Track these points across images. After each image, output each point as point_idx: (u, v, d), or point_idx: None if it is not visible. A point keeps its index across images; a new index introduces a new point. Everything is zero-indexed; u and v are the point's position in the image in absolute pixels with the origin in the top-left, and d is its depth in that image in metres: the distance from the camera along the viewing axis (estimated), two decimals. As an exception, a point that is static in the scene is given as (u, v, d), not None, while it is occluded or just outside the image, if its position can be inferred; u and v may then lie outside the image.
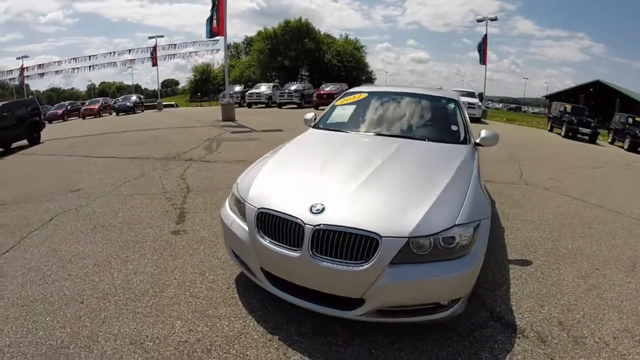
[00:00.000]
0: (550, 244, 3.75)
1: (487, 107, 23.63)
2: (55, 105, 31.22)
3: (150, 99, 36.92)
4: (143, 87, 71.79)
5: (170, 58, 29.51)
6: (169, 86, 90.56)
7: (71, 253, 3.49)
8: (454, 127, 3.47)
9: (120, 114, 26.64)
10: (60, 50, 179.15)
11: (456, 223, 2.02)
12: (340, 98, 4.18)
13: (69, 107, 28.49)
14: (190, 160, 7.72)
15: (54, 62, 29.33)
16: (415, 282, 1.92)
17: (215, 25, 14.86)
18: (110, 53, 27.91)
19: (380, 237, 1.89)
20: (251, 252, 2.22)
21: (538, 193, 5.46)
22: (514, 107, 70.77)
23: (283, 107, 23.64)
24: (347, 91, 4.33)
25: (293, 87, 25.54)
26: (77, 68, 27.79)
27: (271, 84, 27.18)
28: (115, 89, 73.45)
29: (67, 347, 2.20)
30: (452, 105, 3.74)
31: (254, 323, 2.31)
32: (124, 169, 7.02)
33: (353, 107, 3.92)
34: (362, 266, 1.89)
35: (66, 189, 5.82)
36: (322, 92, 20.48)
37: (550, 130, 18.02)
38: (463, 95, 19.22)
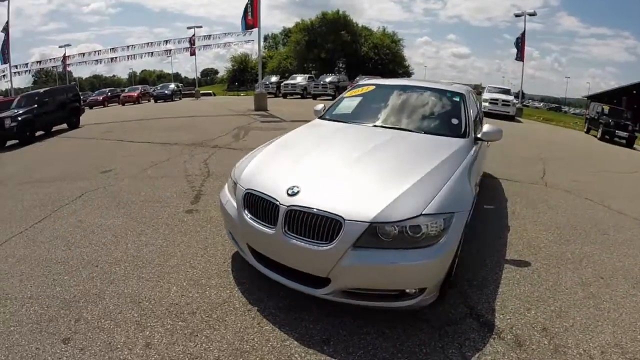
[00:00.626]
0: (556, 247, 3.63)
1: (526, 106, 22.52)
2: (96, 91, 33.39)
3: (189, 87, 38.42)
4: (183, 75, 74.65)
5: (209, 48, 30.55)
6: (208, 75, 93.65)
7: (94, 225, 3.93)
8: (454, 121, 3.49)
9: (158, 101, 28.03)
10: (103, 39, 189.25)
11: (423, 212, 2.08)
12: (349, 90, 4.35)
13: (109, 93, 30.40)
14: (216, 147, 8.14)
15: (96, 51, 31.26)
16: (377, 266, 2.02)
17: (250, 18, 15.28)
18: (149, 43, 29.35)
19: (344, 220, 2.03)
20: (239, 228, 2.48)
21: (557, 195, 5.29)
22: (554, 107, 67.31)
23: (317, 98, 23.93)
24: (357, 84, 4.48)
25: (328, 79, 25.80)
26: (116, 57, 29.46)
27: (307, 76, 27.57)
28: (156, 77, 77.04)
29: (78, 301, 2.58)
30: (456, 99, 3.74)
31: (238, 294, 2.57)
32: (153, 153, 7.56)
33: (359, 99, 4.08)
34: (327, 246, 2.04)
35: (98, 170, 6.39)
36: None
37: (587, 132, 16.96)
38: (498, 92, 18.49)
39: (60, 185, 5.56)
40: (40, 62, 33.45)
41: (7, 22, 21.62)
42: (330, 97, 23.62)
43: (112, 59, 29.21)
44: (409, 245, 2.04)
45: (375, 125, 3.51)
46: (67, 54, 31.92)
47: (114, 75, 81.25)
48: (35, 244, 3.56)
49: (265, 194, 2.31)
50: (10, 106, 11.95)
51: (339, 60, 49.09)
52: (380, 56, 48.41)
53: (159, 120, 13.93)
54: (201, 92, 33.89)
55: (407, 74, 48.42)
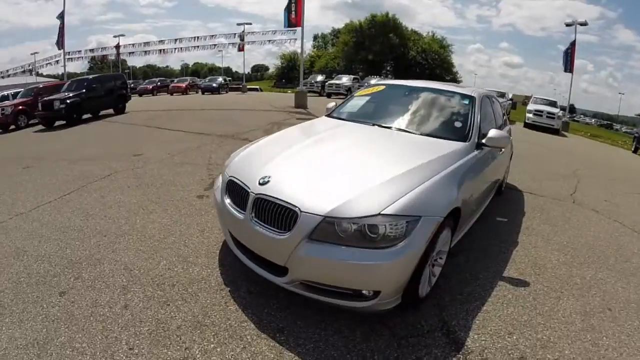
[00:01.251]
0: (565, 270, 3.36)
1: (576, 120, 21.19)
2: (147, 80, 35.76)
3: (237, 82, 39.96)
4: (234, 70, 77.60)
5: (261, 45, 31.79)
6: (259, 71, 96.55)
7: (113, 201, 4.37)
8: (457, 124, 3.42)
9: (205, 93, 29.46)
10: (158, 30, 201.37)
11: (381, 212, 2.06)
12: (361, 89, 4.48)
13: (158, 83, 32.45)
14: (245, 140, 8.52)
15: (146, 42, 33.74)
16: (330, 261, 2.04)
17: (294, 16, 15.69)
18: (196, 37, 31.19)
19: (300, 211, 2.11)
20: (221, 213, 2.72)
21: (583, 214, 5.01)
22: (606, 124, 62.42)
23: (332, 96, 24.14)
24: (369, 83, 4.60)
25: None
26: (168, 49, 31.43)
27: (352, 77, 27.75)
28: (208, 70, 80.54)
29: (81, 263, 2.95)
30: (465, 102, 3.66)
31: (217, 274, 2.80)
32: (185, 142, 8.09)
33: (368, 98, 4.17)
34: (283, 235, 2.15)
35: (131, 153, 6.98)
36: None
37: (634, 152, 15.56)
38: (543, 104, 17.66)
39: (94, 164, 6.16)
40: (92, 50, 36.84)
41: (63, 12, 23.80)
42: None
43: (162, 50, 31.15)
44: (366, 244, 2.03)
45: (374, 124, 3.52)
46: (121, 44, 34.37)
47: (167, 66, 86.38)
48: (59, 212, 4.04)
49: (241, 182, 2.51)
50: (61, 89, 13.19)
51: (386, 63, 48.94)
52: (427, 61, 47.79)
53: (200, 111, 14.70)
54: (248, 87, 35.13)
55: (454, 80, 47.29)
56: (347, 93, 25.22)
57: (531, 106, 17.65)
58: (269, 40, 28.88)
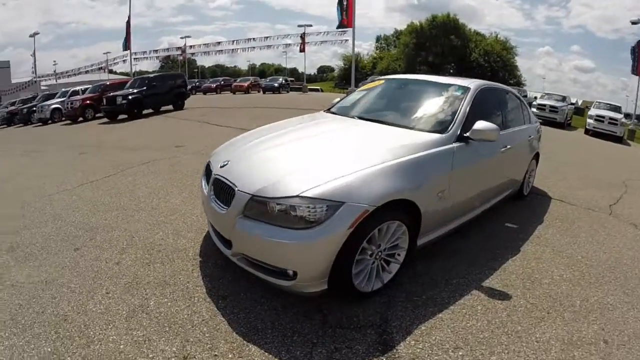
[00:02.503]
0: (565, 288, 2.99)
1: None
2: (211, 79, 38.63)
3: (299, 82, 41.49)
4: (300, 70, 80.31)
5: (327, 46, 33.11)
6: (324, 72, 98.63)
7: (141, 183, 5.16)
8: (440, 115, 3.34)
9: (266, 92, 31.07)
10: (227, 32, 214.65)
11: (300, 194, 2.18)
12: (363, 84, 4.75)
13: (222, 82, 34.91)
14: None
15: (207, 43, 36.58)
16: (258, 237, 2.24)
17: (345, 17, 16.18)
18: (255, 38, 33.33)
19: (236, 189, 2.40)
20: (202, 191, 3.16)
21: (617, 227, 4.55)
22: None
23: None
24: (373, 77, 4.86)
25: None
26: (231, 49, 33.73)
27: None
28: (274, 70, 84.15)
29: (97, 229, 3.67)
30: (457, 93, 3.52)
31: (197, 247, 3.28)
32: (226, 136, 8.85)
33: (364, 93, 4.32)
34: (224, 210, 2.46)
35: (174, 144, 7.91)
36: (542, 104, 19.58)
37: None
38: (606, 109, 16.56)
39: (138, 152, 7.14)
40: (156, 50, 40.80)
41: (129, 18, 26.76)
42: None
43: (230, 50, 33.54)
44: (288, 224, 2.17)
45: (355, 117, 3.66)
46: (191, 45, 37.74)
47: (235, 66, 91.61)
48: (95, 190, 4.90)
49: (211, 165, 2.95)
50: (125, 86, 14.97)
51: (448, 65, 47.51)
52: (490, 63, 45.71)
53: (253, 109, 15.78)
54: (310, 87, 36.34)
55: (518, 84, 44.47)
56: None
57: (592, 111, 16.68)
58: (322, 42, 29.74)
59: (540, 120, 16.48)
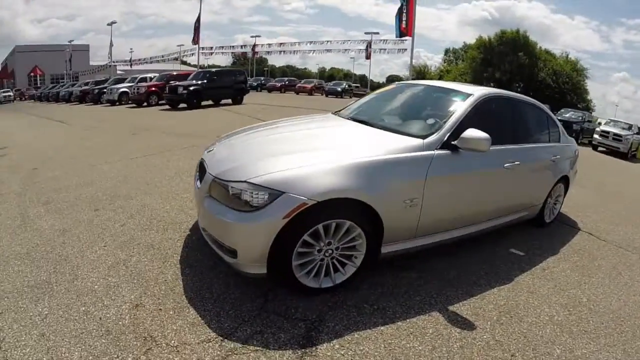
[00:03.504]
0: (550, 332, 2.61)
1: None
2: (277, 79, 40.43)
3: (364, 89, 41.91)
4: (370, 77, 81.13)
5: (381, 52, 33.57)
6: (393, 81, 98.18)
7: (172, 165, 5.85)
8: (430, 120, 3.27)
9: (329, 96, 31.83)
10: (300, 34, 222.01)
11: (247, 180, 2.38)
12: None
13: (286, 82, 36.32)
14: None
15: (280, 43, 38.30)
16: (211, 214, 2.52)
17: (404, 26, 16.27)
18: (326, 41, 34.20)
19: (206, 171, 2.70)
20: None
21: None
22: None
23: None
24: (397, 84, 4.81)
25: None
26: (296, 50, 35.19)
27: None
28: (343, 75, 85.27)
29: (118, 196, 4.31)
30: (457, 99, 3.42)
31: (191, 221, 3.73)
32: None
33: (374, 96, 4.45)
34: (198, 188, 2.84)
35: (216, 134, 8.62)
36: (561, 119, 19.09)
37: None
38: (616, 127, 16.95)
39: (182, 138, 7.96)
40: (222, 47, 44.52)
41: (199, 16, 29.11)
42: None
43: (298, 51, 34.81)
44: (238, 207, 2.38)
45: (352, 119, 3.70)
46: (263, 44, 39.80)
47: (305, 68, 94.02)
48: (130, 166, 5.67)
49: (205, 151, 3.36)
50: (187, 78, 16.31)
51: (516, 83, 45.08)
52: (558, 84, 42.60)
53: (309, 110, 16.34)
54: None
55: (587, 109, 40.75)
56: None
57: (600, 127, 17.62)
58: (381, 49, 29.94)
59: (603, 149, 16.43)
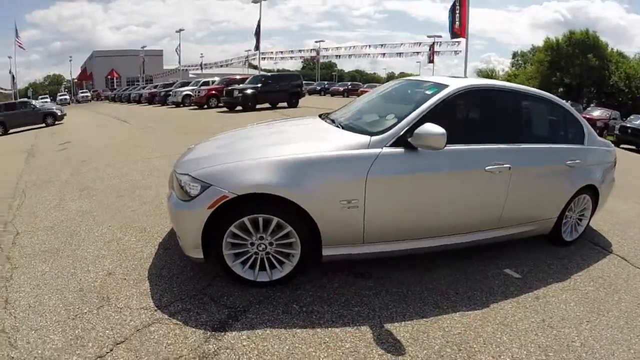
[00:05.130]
0: None
1: None
2: (340, 83, 41.64)
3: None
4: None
5: (450, 54, 33.14)
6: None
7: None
8: (389, 117, 3.08)
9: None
10: (370, 39, 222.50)
11: (188, 173, 2.68)
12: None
13: (349, 86, 36.92)
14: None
15: (334, 47, 39.80)
16: (167, 202, 2.94)
17: (457, 26, 15.91)
18: (388, 45, 34.60)
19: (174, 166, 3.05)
20: None
21: None
22: None
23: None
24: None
25: None
26: (363, 54, 35.86)
27: None
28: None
29: (140, 187, 5.11)
30: (429, 92, 3.14)
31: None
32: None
33: (367, 94, 4.42)
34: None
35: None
36: (584, 117, 17.00)
37: None
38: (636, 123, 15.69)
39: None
40: (281, 52, 47.26)
41: (259, 23, 31.34)
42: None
43: (364, 55, 35.63)
44: (182, 197, 2.67)
45: (320, 117, 3.77)
46: (331, 47, 41.05)
47: (374, 73, 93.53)
48: (163, 162, 6.58)
49: None
50: (245, 82, 17.47)
51: (585, 88, 40.82)
52: (631, 89, 37.79)
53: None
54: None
55: None
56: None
57: (622, 123, 16.93)
58: (437, 51, 29.33)
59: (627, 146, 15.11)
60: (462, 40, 17.50)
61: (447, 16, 16.75)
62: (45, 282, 2.86)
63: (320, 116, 3.83)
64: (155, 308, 2.56)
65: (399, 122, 2.86)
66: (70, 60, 64.39)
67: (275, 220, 2.59)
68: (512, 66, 58.62)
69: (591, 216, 4.04)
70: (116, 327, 2.34)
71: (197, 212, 2.55)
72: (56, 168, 6.23)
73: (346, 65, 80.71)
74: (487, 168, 3.02)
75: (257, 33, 31.30)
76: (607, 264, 3.62)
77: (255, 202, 2.55)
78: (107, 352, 2.13)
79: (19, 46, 37.52)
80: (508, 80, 52.34)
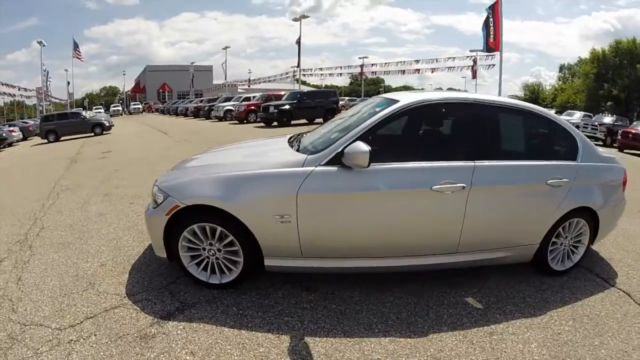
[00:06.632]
0: None
1: None
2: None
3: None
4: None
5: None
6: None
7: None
8: (332, 136, 3.25)
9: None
10: (417, 55, 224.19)
11: (158, 184, 3.22)
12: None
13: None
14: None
15: (383, 63, 40.77)
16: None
17: (492, 40, 15.83)
18: (426, 59, 35.14)
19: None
20: None
21: None
22: None
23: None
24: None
25: (604, 120, 21.92)
26: (412, 70, 36.23)
27: (581, 114, 23.95)
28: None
29: (149, 196, 5.95)
30: (378, 109, 3.19)
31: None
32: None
33: (343, 114, 4.55)
34: None
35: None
36: (629, 131, 15.70)
37: None
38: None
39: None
40: (321, 68, 48.56)
41: (299, 39, 32.88)
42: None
43: (410, 71, 36.37)
44: (153, 204, 3.21)
45: (288, 139, 3.81)
46: (378, 63, 42.12)
47: (422, 88, 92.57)
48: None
49: None
50: (281, 98, 18.48)
51: (636, 100, 37.72)
52: None
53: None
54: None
55: None
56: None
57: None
58: (470, 66, 29.06)
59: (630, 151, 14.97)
60: (490, 54, 17.38)
61: (482, 30, 16.76)
62: (52, 267, 3.66)
63: (290, 137, 3.86)
64: (125, 295, 3.15)
65: (336, 140, 2.98)
66: (124, 75, 68.99)
67: (219, 229, 2.95)
68: (560, 80, 56.38)
69: (591, 243, 3.60)
70: (91, 306, 3.00)
71: (159, 218, 3.05)
72: (91, 175, 7.30)
73: (395, 81, 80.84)
74: (434, 187, 2.88)
75: (298, 50, 32.78)
76: (602, 300, 3.15)
77: (203, 212, 2.94)
78: (78, 323, 2.78)
79: (78, 58, 40.19)
80: (554, 96, 50.38)
